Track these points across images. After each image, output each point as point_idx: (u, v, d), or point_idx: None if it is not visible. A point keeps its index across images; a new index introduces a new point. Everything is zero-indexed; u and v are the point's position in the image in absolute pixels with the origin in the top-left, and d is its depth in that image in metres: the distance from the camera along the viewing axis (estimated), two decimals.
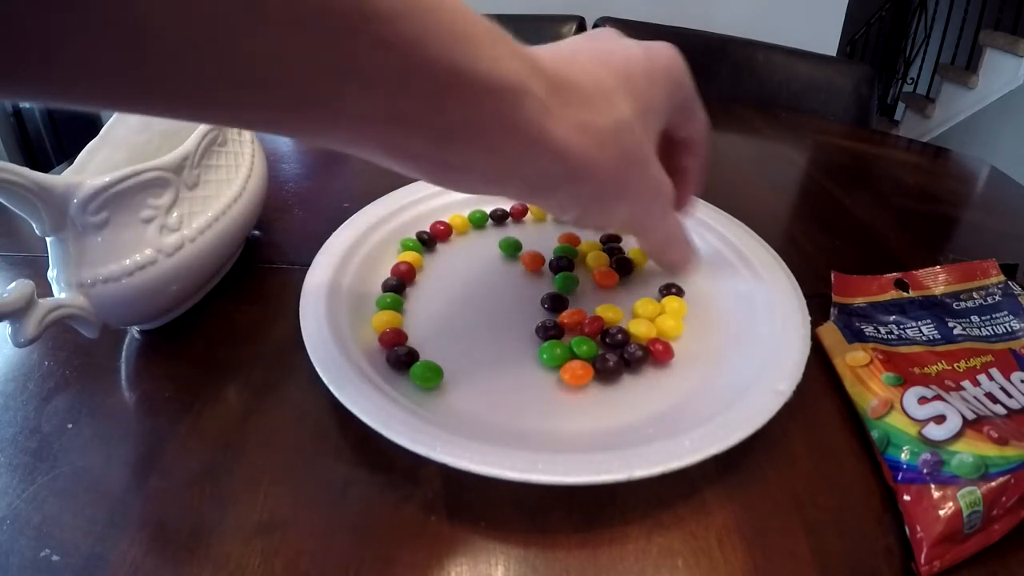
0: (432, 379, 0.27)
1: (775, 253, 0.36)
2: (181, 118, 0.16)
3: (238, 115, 0.16)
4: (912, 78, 3.16)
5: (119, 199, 0.26)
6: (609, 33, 0.24)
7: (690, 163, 0.29)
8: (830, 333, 0.32)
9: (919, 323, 0.32)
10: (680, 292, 0.34)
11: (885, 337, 0.31)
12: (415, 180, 0.40)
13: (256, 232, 0.40)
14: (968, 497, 0.22)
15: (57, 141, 1.86)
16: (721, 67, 0.95)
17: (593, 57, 0.22)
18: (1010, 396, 0.27)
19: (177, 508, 0.23)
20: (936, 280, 0.35)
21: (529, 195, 0.23)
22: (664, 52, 0.24)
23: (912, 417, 0.25)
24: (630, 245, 0.38)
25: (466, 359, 0.29)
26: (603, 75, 0.22)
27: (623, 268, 0.36)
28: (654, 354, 0.29)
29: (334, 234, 0.35)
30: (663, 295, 0.34)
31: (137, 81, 0.14)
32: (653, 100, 0.23)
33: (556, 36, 0.95)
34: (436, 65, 0.16)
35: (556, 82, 0.20)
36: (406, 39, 0.15)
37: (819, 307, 0.34)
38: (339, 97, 0.16)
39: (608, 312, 0.31)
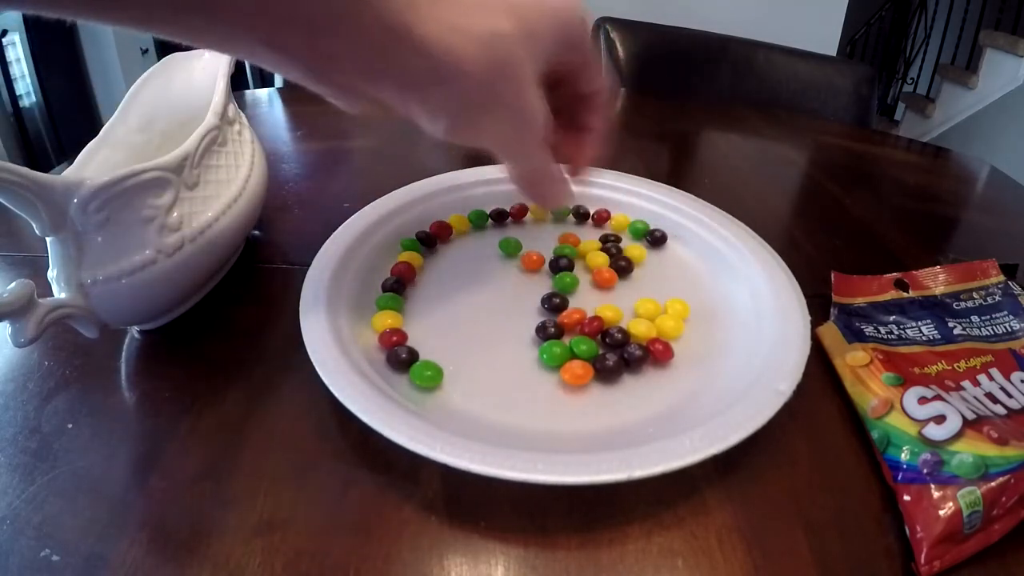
0: (432, 379, 0.27)
1: (775, 253, 0.36)
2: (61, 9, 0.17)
3: (120, 9, 0.18)
4: (912, 78, 3.16)
5: (119, 199, 0.26)
6: None
7: (592, 120, 0.30)
8: (830, 333, 0.32)
9: (919, 323, 0.32)
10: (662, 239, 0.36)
11: (885, 337, 0.31)
12: (414, 181, 0.41)
13: (256, 232, 0.40)
14: (968, 497, 0.22)
15: (57, 141, 1.87)
16: (721, 67, 0.95)
17: None
18: (1010, 396, 0.27)
19: (177, 508, 0.23)
20: (936, 280, 0.35)
21: (401, 95, 0.23)
22: (566, 1, 0.25)
23: (912, 417, 0.25)
24: (630, 245, 0.38)
25: (466, 359, 0.29)
26: None
27: (623, 268, 0.36)
28: (654, 354, 0.29)
29: (334, 234, 0.35)
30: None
31: None
32: (537, 27, 0.24)
33: None
34: None
35: None
36: None
37: (819, 307, 0.34)
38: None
39: (608, 312, 0.31)
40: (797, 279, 0.33)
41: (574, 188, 0.31)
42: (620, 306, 0.32)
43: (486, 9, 0.22)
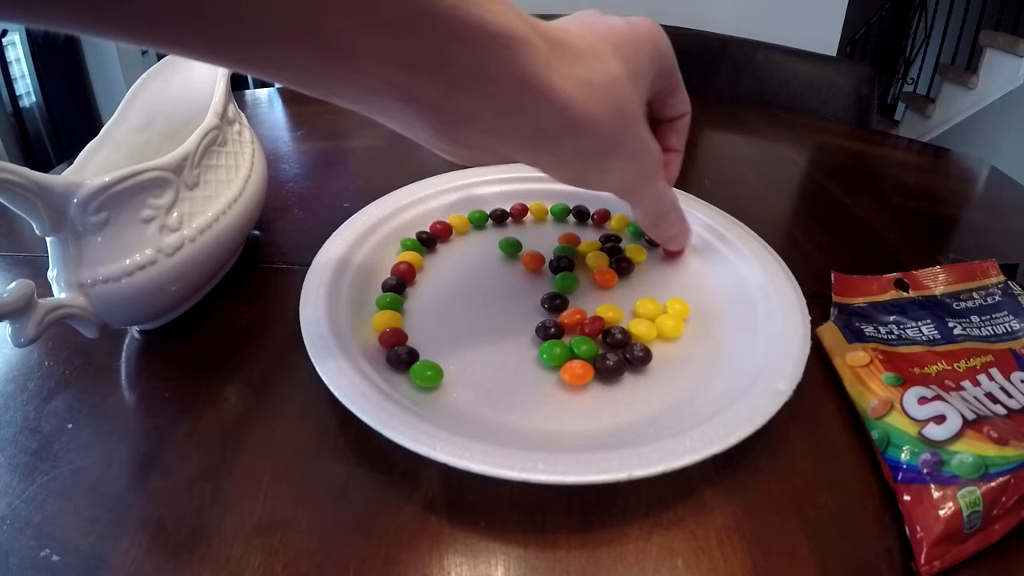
0: (432, 379, 0.27)
1: (775, 253, 0.36)
2: (196, 52, 0.17)
3: (253, 52, 0.17)
4: (912, 78, 3.16)
5: (119, 199, 0.26)
6: (592, 12, 0.26)
7: (675, 142, 0.30)
8: (830, 333, 0.32)
9: (919, 323, 0.32)
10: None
11: (885, 337, 0.31)
12: (414, 181, 0.41)
13: (256, 232, 0.40)
14: (968, 497, 0.22)
15: (57, 141, 1.87)
16: (721, 67, 0.95)
17: (582, 26, 0.23)
18: (1010, 396, 0.27)
19: (177, 508, 0.23)
20: (936, 280, 0.35)
21: (531, 149, 0.23)
22: (645, 23, 0.25)
23: (912, 417, 0.25)
24: (630, 245, 0.38)
25: (466, 359, 0.29)
26: (593, 39, 0.23)
27: (623, 268, 0.36)
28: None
29: (334, 234, 0.35)
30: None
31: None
32: (640, 64, 0.24)
33: None
34: (448, 12, 0.17)
35: (554, 41, 0.21)
36: None
37: (819, 307, 0.34)
38: (353, 36, 0.17)
39: (608, 312, 0.31)
40: (797, 279, 0.33)
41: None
42: (620, 306, 0.32)
43: (600, 57, 0.22)
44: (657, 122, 0.29)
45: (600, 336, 0.30)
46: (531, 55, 0.19)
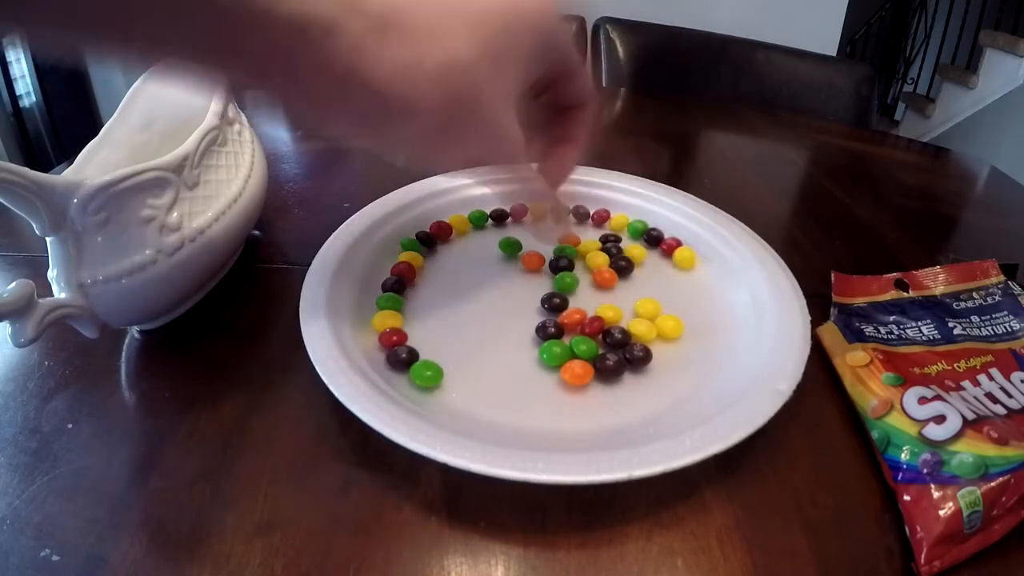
0: (432, 379, 0.27)
1: (775, 253, 0.36)
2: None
3: (70, 39, 0.18)
4: (912, 78, 3.16)
5: (119, 199, 0.26)
6: None
7: (574, 133, 0.29)
8: (830, 333, 0.32)
9: (919, 323, 0.32)
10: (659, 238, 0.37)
11: (885, 337, 0.31)
12: (414, 181, 0.41)
13: (256, 232, 0.40)
14: (968, 497, 0.22)
15: (57, 141, 1.86)
16: (721, 67, 0.95)
17: (444, 2, 0.22)
18: (1010, 396, 0.27)
19: (177, 508, 0.23)
20: (936, 280, 0.35)
21: (357, 131, 0.23)
22: (532, 3, 0.23)
23: (912, 417, 0.25)
24: (630, 245, 0.38)
25: (466, 359, 0.29)
26: (444, 18, 0.21)
27: (623, 268, 0.36)
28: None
29: (334, 234, 0.35)
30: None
31: None
32: (509, 43, 0.23)
33: None
34: (237, 3, 0.17)
35: (379, 21, 0.20)
36: None
37: (819, 307, 0.34)
38: (151, 23, 0.17)
39: (608, 312, 0.31)
40: (797, 279, 0.33)
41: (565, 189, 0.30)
42: (620, 306, 0.32)
43: (442, 35, 0.21)
44: (559, 109, 0.28)
45: (600, 336, 0.30)
46: (335, 41, 0.19)
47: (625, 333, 0.30)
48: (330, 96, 0.20)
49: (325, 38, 0.19)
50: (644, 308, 0.32)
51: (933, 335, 0.31)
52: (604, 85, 0.94)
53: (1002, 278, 0.34)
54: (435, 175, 0.41)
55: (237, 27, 0.18)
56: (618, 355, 0.28)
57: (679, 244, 0.38)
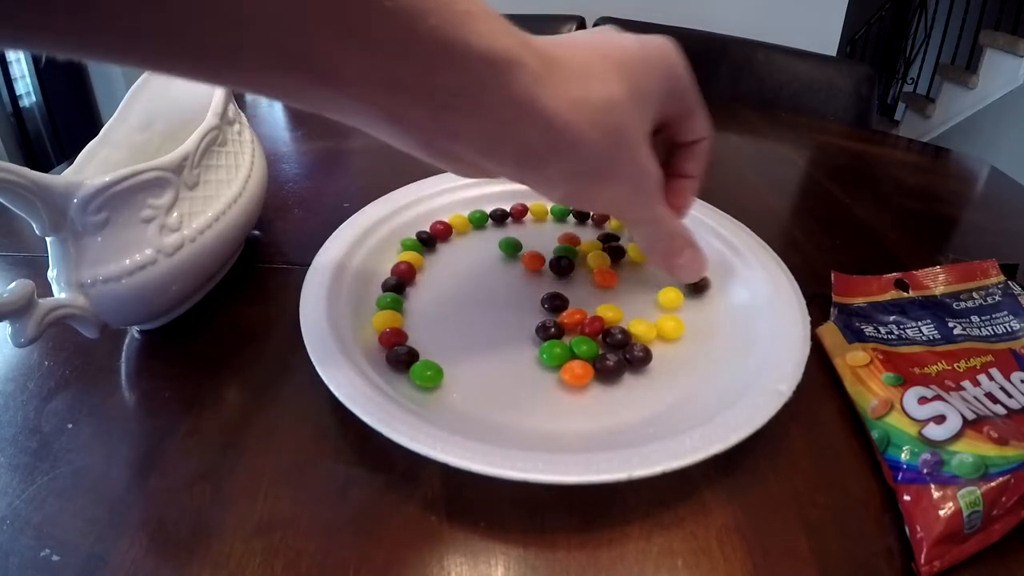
0: (432, 379, 0.27)
1: (775, 253, 0.36)
2: (178, 73, 0.17)
3: (236, 75, 0.17)
4: (912, 78, 3.16)
5: (119, 199, 0.26)
6: (606, 28, 0.25)
7: (691, 168, 0.29)
8: (830, 333, 0.32)
9: (919, 323, 0.32)
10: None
11: (885, 337, 0.31)
12: (414, 181, 0.41)
13: (256, 232, 0.40)
14: (968, 497, 0.22)
15: (57, 141, 1.86)
16: (721, 67, 0.95)
17: (586, 44, 0.23)
18: (1010, 396, 0.27)
19: (177, 508, 0.23)
20: (936, 280, 0.35)
21: (519, 168, 0.23)
22: (659, 41, 0.25)
23: (912, 417, 0.25)
24: (630, 245, 0.38)
25: (466, 359, 0.29)
26: (595, 58, 0.22)
27: (623, 268, 0.36)
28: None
29: (334, 234, 0.35)
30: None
31: (141, 27, 0.15)
32: (647, 85, 0.24)
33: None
34: (434, 35, 0.17)
35: (548, 59, 0.20)
36: (408, 11, 0.17)
37: (819, 307, 0.34)
38: (343, 59, 0.17)
39: (608, 312, 0.31)
40: (797, 279, 0.33)
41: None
42: (620, 306, 0.32)
43: (599, 77, 0.22)
44: (674, 145, 0.29)
45: (600, 336, 0.30)
46: (519, 75, 0.19)
47: (625, 333, 0.30)
48: (502, 131, 0.21)
49: (510, 71, 0.19)
50: (666, 297, 0.33)
51: (933, 335, 0.31)
52: None
53: (1002, 278, 0.34)
54: (424, 168, 0.41)
55: (430, 55, 0.18)
56: (618, 355, 0.28)
57: None
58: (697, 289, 0.34)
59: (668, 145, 0.29)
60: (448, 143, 0.21)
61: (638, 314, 0.32)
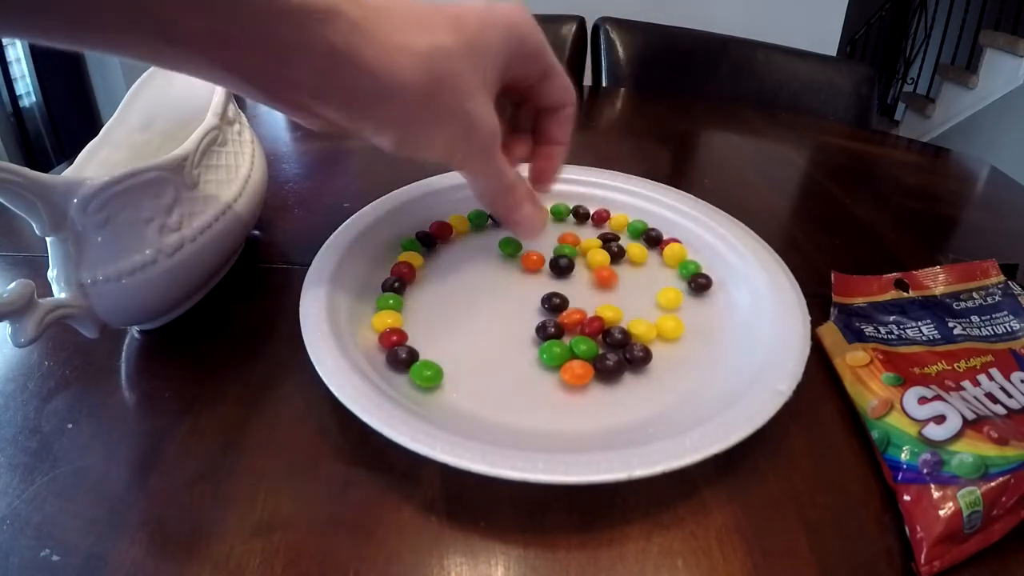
0: (432, 379, 0.27)
1: (775, 253, 0.35)
2: (36, 37, 0.19)
3: (93, 37, 0.19)
4: (912, 78, 3.16)
5: (119, 199, 0.26)
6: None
7: (557, 133, 0.30)
8: (830, 333, 0.32)
9: (919, 323, 0.32)
10: (657, 239, 0.36)
11: (885, 337, 0.31)
12: (414, 181, 0.41)
13: (256, 232, 0.40)
14: (968, 497, 0.22)
15: (57, 141, 1.86)
16: (721, 67, 0.95)
17: (426, 3, 0.24)
18: (1010, 396, 0.27)
19: (177, 508, 0.23)
20: (936, 280, 0.35)
21: (349, 115, 0.24)
22: (507, 6, 0.26)
23: (912, 417, 0.25)
24: (630, 244, 0.38)
25: (466, 359, 0.29)
26: (427, 12, 0.24)
27: (623, 268, 0.36)
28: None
29: (334, 234, 0.35)
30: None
31: None
32: (484, 40, 0.25)
33: (556, 36, 0.95)
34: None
35: (373, 10, 0.22)
36: None
37: (819, 307, 0.34)
38: (182, 19, 0.19)
39: (608, 312, 0.31)
40: (797, 279, 0.33)
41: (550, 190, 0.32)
42: (620, 306, 0.32)
43: (427, 26, 0.23)
44: (540, 112, 0.30)
45: (600, 336, 0.30)
46: (337, 24, 0.21)
47: (625, 333, 0.30)
48: (327, 78, 0.22)
49: (326, 22, 0.20)
50: (666, 297, 0.33)
51: (933, 335, 0.31)
52: (604, 85, 0.95)
53: (1002, 278, 0.34)
54: (424, 168, 0.41)
55: (252, 14, 0.19)
56: (618, 355, 0.28)
57: (679, 244, 0.38)
58: (698, 288, 0.34)
59: (534, 112, 0.30)
60: (287, 92, 0.23)
61: (638, 314, 0.32)
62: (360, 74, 0.22)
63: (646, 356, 0.29)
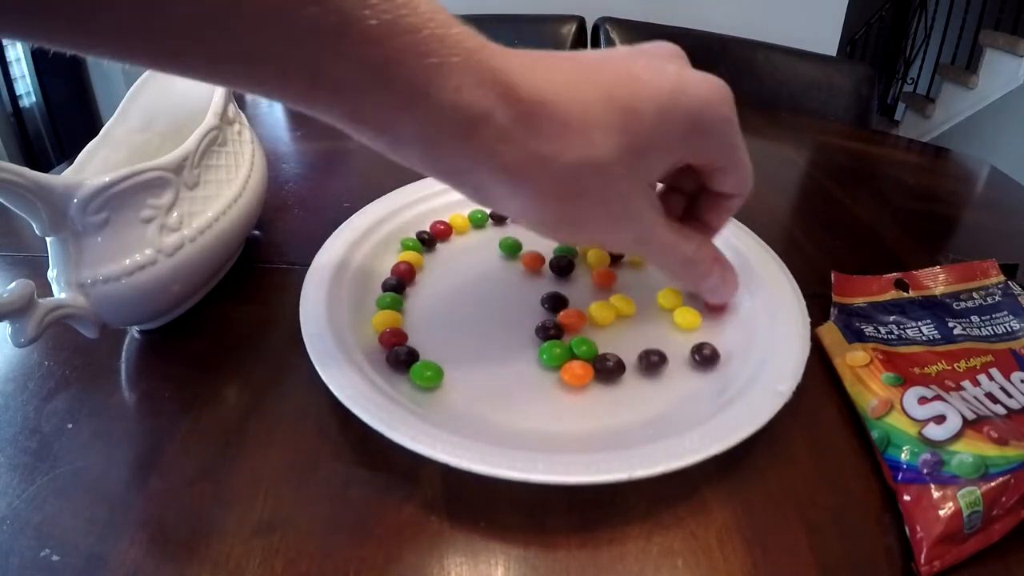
0: (432, 379, 0.27)
1: (775, 253, 0.35)
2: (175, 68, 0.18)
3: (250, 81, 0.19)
4: (912, 78, 3.16)
5: (119, 199, 0.26)
6: (660, 54, 0.23)
7: (711, 220, 0.28)
8: (830, 333, 0.32)
9: (919, 323, 0.32)
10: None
11: (885, 337, 0.31)
12: (414, 181, 0.41)
13: (256, 232, 0.40)
14: (968, 497, 0.22)
15: (57, 141, 1.86)
16: (721, 67, 0.95)
17: (603, 83, 0.21)
18: (1010, 396, 0.27)
19: (177, 508, 0.23)
20: (936, 280, 0.35)
21: (484, 202, 0.23)
22: (702, 88, 0.22)
23: (912, 417, 0.25)
24: None
25: (466, 359, 0.29)
26: (596, 108, 0.21)
27: (623, 268, 0.36)
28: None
29: (334, 234, 0.35)
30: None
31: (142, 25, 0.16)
32: (657, 141, 0.22)
33: (556, 36, 0.95)
34: (401, 86, 0.18)
35: (528, 110, 0.20)
36: (377, 62, 0.17)
37: (819, 307, 0.34)
38: (311, 93, 0.19)
39: (605, 310, 0.31)
40: (797, 279, 0.33)
41: None
42: (620, 306, 0.32)
43: (583, 129, 0.20)
44: (703, 189, 0.27)
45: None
46: (484, 132, 0.19)
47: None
48: (466, 170, 0.21)
49: (474, 125, 0.19)
50: (666, 297, 0.33)
51: (933, 335, 0.31)
52: None
53: (1002, 278, 0.34)
54: None
55: (395, 104, 0.19)
56: (618, 355, 0.28)
57: None
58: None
59: (696, 186, 0.27)
60: (407, 161, 0.22)
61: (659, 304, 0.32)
62: (496, 178, 0.21)
63: (646, 356, 0.29)
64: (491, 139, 0.20)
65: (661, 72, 0.22)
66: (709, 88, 0.22)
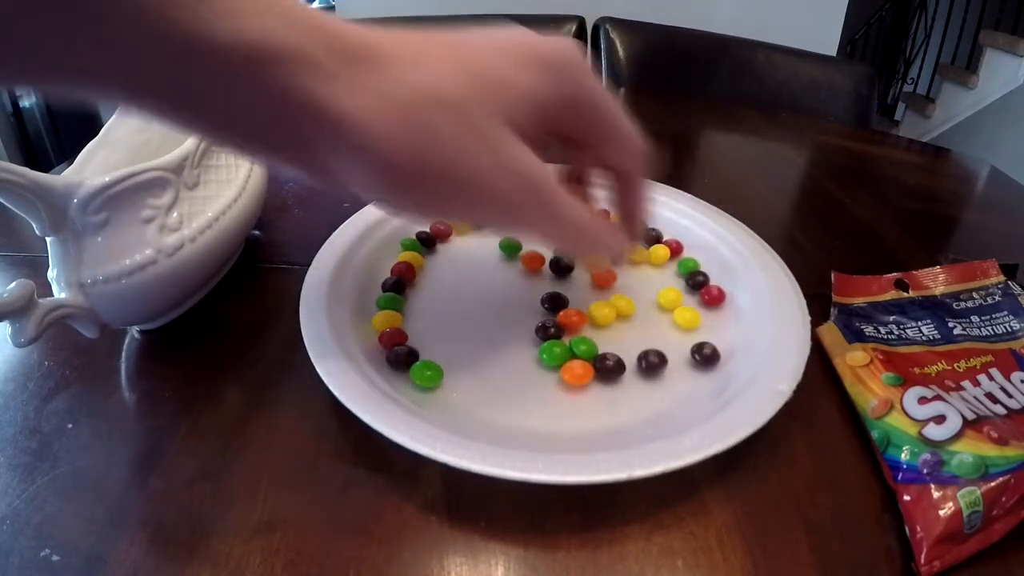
0: (432, 379, 0.27)
1: (775, 253, 0.36)
2: None
3: (24, 78, 0.16)
4: (912, 78, 3.16)
5: (119, 199, 0.26)
6: (507, 27, 0.22)
7: (625, 198, 0.26)
8: (830, 333, 0.32)
9: (919, 323, 0.32)
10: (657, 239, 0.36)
11: (885, 337, 0.31)
12: None
13: (256, 232, 0.40)
14: (968, 497, 0.22)
15: (57, 141, 1.86)
16: (721, 67, 0.95)
17: (448, 43, 0.20)
18: (1010, 396, 0.27)
19: (177, 508, 0.23)
20: (936, 280, 0.35)
21: (316, 175, 0.20)
22: (557, 43, 0.22)
23: (912, 417, 0.25)
24: None
25: (466, 359, 0.29)
26: (430, 48, 0.19)
27: (623, 268, 0.36)
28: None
29: (334, 234, 0.35)
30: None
31: None
32: (510, 76, 0.20)
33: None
34: (172, 32, 0.15)
35: (353, 50, 0.18)
36: (138, 6, 0.15)
37: (819, 307, 0.34)
38: (73, 54, 0.15)
39: (604, 309, 0.31)
40: (797, 279, 0.33)
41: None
42: (620, 306, 0.32)
43: (425, 70, 0.19)
44: (615, 186, 0.26)
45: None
46: (293, 70, 0.17)
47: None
48: (286, 128, 0.18)
49: (277, 66, 0.17)
50: (666, 297, 0.33)
51: (933, 335, 0.31)
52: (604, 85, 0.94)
53: (1002, 278, 0.34)
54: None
55: (172, 55, 0.16)
56: (618, 355, 0.28)
57: (679, 244, 0.38)
58: (696, 286, 0.35)
59: (596, 165, 0.26)
60: (230, 141, 0.19)
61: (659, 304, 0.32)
62: (327, 131, 0.18)
63: (646, 356, 0.29)
64: (304, 78, 0.17)
65: (513, 33, 0.21)
66: (564, 43, 0.22)
